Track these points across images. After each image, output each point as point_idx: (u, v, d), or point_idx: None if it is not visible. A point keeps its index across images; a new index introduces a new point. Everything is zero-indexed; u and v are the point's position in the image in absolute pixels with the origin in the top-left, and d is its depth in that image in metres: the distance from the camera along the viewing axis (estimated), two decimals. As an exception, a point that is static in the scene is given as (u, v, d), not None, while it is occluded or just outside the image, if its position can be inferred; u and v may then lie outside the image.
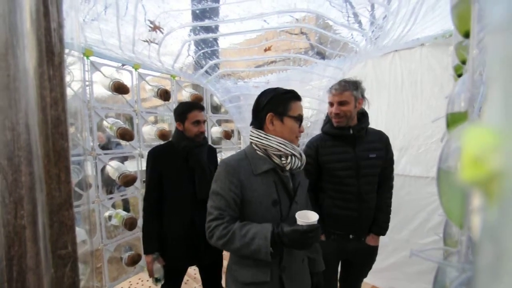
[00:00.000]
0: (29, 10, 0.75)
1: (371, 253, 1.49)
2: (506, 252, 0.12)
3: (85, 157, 2.02)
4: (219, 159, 3.27)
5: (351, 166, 1.36)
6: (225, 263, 1.43)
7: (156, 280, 1.63)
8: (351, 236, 1.43)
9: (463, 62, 0.55)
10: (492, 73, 0.13)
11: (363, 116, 1.40)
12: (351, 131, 1.35)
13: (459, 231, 0.50)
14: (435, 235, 1.99)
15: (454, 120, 0.46)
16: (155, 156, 1.46)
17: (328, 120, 1.43)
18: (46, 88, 0.79)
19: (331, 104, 1.36)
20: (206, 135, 3.12)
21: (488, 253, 0.13)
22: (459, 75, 0.66)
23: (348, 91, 1.31)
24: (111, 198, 2.27)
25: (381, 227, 1.45)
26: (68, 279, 0.79)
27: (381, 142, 1.43)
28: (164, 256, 1.48)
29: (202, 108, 1.47)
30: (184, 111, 1.44)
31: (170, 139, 1.57)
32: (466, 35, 0.42)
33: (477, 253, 0.14)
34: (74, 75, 2.00)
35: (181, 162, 1.45)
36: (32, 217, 0.72)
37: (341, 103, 1.32)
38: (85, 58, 1.93)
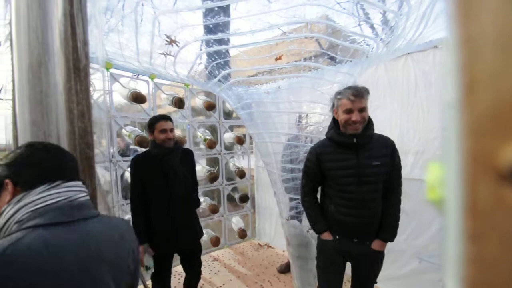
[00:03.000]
0: (58, 30, 0.82)
1: (376, 258, 1.45)
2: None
3: (106, 164, 2.12)
4: (231, 164, 3.35)
5: (353, 174, 1.33)
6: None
7: (147, 268, 2.03)
8: (355, 240, 1.41)
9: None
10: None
11: (368, 122, 1.36)
12: (354, 140, 1.32)
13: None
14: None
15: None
16: (136, 163, 1.74)
17: (332, 126, 1.40)
18: (74, 101, 0.86)
19: (349, 110, 1.29)
20: (218, 140, 3.16)
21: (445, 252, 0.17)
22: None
23: (365, 96, 1.29)
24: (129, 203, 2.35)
25: (388, 233, 1.42)
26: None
27: (386, 148, 1.39)
28: (152, 247, 1.74)
29: (167, 119, 1.72)
30: (152, 123, 1.71)
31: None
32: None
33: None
34: (96, 86, 2.11)
35: (156, 167, 1.70)
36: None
37: (361, 110, 1.28)
38: (105, 70, 2.04)
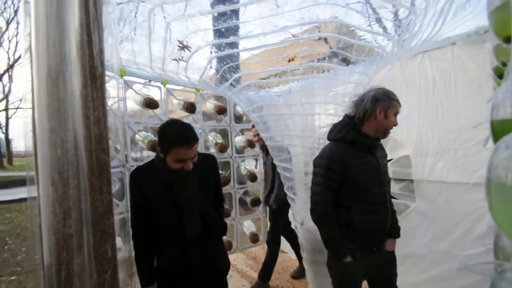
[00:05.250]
0: (75, 40, 0.84)
1: (393, 258, 1.44)
2: None
3: (121, 169, 2.16)
4: (242, 168, 3.34)
5: (375, 176, 1.30)
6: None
7: None
8: (374, 249, 1.36)
9: (504, 64, 0.51)
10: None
11: None
12: (379, 142, 1.33)
13: (510, 242, 0.46)
14: (481, 247, 1.80)
15: (500, 127, 0.43)
16: (137, 180, 1.25)
17: (350, 127, 1.31)
18: (90, 108, 0.87)
19: (396, 114, 1.29)
20: (229, 144, 3.17)
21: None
22: (499, 76, 0.62)
23: None
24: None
25: (397, 230, 1.44)
26: (108, 285, 0.83)
27: (383, 149, 1.42)
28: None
29: (191, 143, 1.15)
30: (168, 144, 1.15)
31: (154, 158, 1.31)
32: (507, 40, 0.40)
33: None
34: (110, 93, 2.17)
35: (166, 191, 1.21)
36: (78, 226, 0.78)
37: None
38: (119, 77, 2.09)
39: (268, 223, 2.65)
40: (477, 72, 1.76)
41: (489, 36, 0.63)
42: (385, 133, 1.30)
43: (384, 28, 1.31)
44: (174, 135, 1.15)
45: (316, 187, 1.34)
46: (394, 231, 1.42)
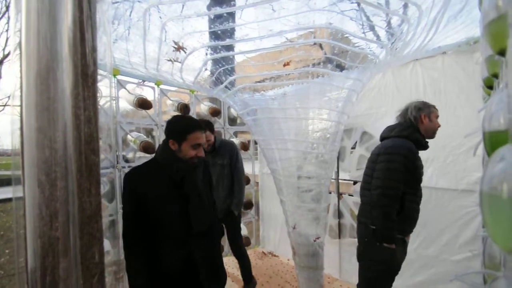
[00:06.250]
0: (67, 37, 0.82)
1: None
2: None
3: (112, 170, 2.12)
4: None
5: (423, 173, 1.57)
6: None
7: None
8: (407, 238, 1.61)
9: (495, 75, 0.53)
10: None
11: None
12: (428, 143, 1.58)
13: (502, 253, 0.47)
14: (468, 252, 1.84)
15: (494, 139, 0.44)
16: (132, 183, 1.18)
17: (414, 129, 1.54)
18: (81, 107, 0.85)
19: (437, 117, 1.57)
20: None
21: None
22: (489, 87, 0.63)
23: None
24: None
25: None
26: (95, 290, 0.80)
27: None
28: None
29: (203, 129, 1.25)
30: (184, 130, 1.17)
31: (154, 156, 1.30)
32: (501, 53, 0.41)
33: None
34: (102, 92, 2.12)
35: (171, 188, 1.19)
36: (65, 229, 0.75)
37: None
38: (112, 77, 2.06)
39: (260, 227, 2.62)
40: (466, 81, 1.81)
41: (480, 47, 0.65)
42: (433, 134, 1.58)
43: (378, 36, 1.34)
44: (188, 121, 1.23)
45: (392, 181, 1.46)
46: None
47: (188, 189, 1.21)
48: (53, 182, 0.72)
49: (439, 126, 1.57)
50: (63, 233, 0.72)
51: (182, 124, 1.20)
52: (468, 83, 1.78)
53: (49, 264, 0.71)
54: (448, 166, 1.94)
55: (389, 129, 1.64)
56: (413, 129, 1.54)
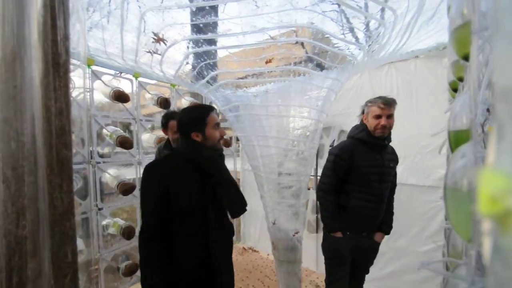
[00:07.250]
0: (37, 22, 0.77)
1: (376, 250, 1.70)
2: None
3: (85, 166, 2.01)
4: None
5: (377, 172, 1.56)
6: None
7: None
8: (364, 234, 1.61)
9: (460, 79, 0.57)
10: (503, 125, 0.16)
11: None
12: (386, 142, 1.56)
13: (464, 243, 0.52)
14: (433, 243, 1.99)
15: (457, 137, 0.48)
16: (160, 175, 1.14)
17: (363, 128, 1.57)
18: (51, 98, 0.80)
19: (378, 116, 1.50)
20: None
21: (500, 274, 0.15)
22: (454, 90, 0.69)
23: (394, 106, 1.51)
24: (109, 207, 2.24)
25: (389, 227, 1.68)
26: (68, 290, 0.77)
27: (394, 155, 1.68)
28: None
29: (214, 108, 1.26)
30: (202, 116, 1.17)
31: (175, 150, 1.31)
32: (465, 58, 0.44)
33: (488, 273, 0.16)
34: (75, 82, 2.01)
35: (198, 180, 1.16)
36: (34, 228, 0.71)
37: (389, 117, 1.49)
38: (86, 67, 1.95)
39: (241, 223, 2.63)
40: (435, 84, 1.94)
41: (448, 52, 0.70)
42: (375, 132, 1.52)
43: (357, 38, 1.39)
44: (197, 108, 1.25)
45: (326, 172, 1.65)
46: (385, 227, 1.67)
47: (219, 175, 1.21)
48: (20, 178, 0.68)
49: (380, 125, 1.50)
50: (32, 231, 0.68)
51: (197, 112, 1.20)
52: (437, 86, 1.91)
53: (16, 265, 0.67)
54: (417, 164, 2.07)
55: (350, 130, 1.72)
56: (362, 129, 1.59)
